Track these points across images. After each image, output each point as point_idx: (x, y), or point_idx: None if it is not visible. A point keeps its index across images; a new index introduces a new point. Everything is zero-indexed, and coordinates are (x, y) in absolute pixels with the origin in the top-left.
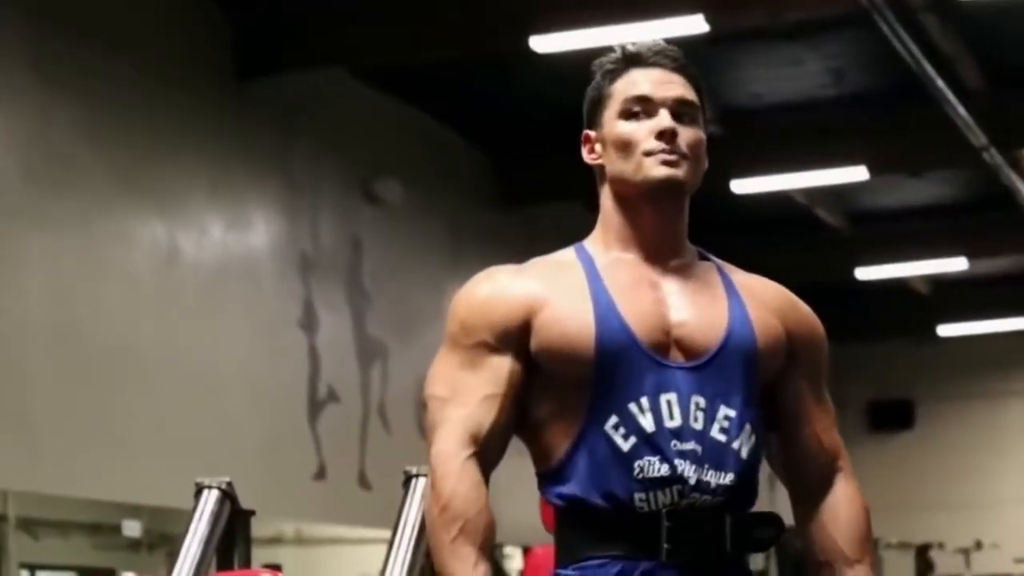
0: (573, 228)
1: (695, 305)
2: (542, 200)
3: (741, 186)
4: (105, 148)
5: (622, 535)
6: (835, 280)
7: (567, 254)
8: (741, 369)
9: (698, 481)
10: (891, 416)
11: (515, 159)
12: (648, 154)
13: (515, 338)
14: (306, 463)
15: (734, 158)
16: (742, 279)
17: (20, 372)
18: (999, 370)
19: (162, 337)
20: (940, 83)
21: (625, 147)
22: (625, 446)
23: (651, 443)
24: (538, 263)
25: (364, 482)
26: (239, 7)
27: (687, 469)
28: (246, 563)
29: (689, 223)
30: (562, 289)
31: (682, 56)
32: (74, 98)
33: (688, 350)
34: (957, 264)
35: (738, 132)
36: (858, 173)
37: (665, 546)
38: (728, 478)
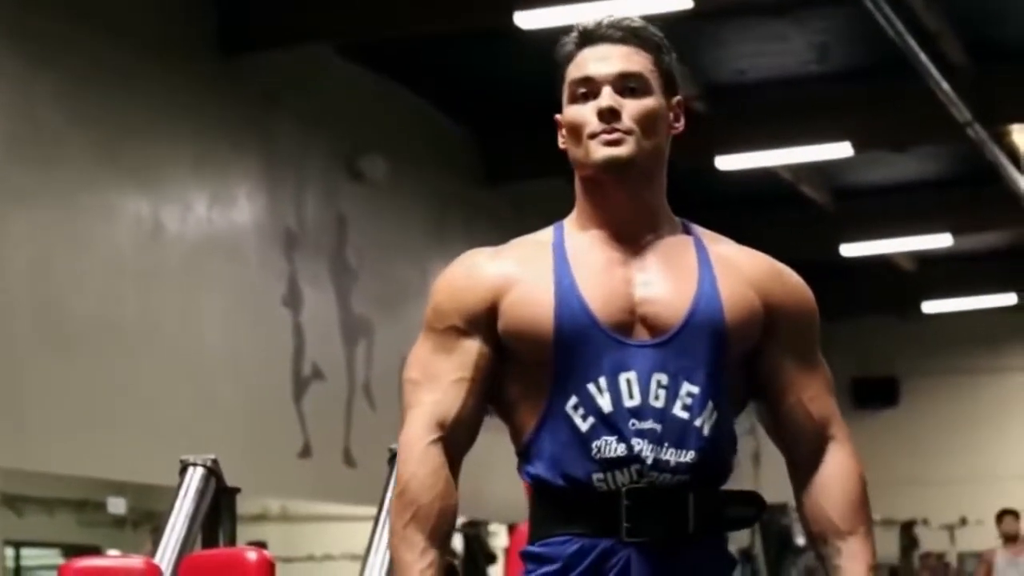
0: (558, 204)
1: (662, 281)
2: (527, 176)
3: (725, 162)
4: (89, 123)
5: (584, 514)
6: (819, 256)
7: (546, 233)
8: (706, 344)
9: (656, 460)
10: (875, 392)
11: (500, 135)
12: (592, 136)
13: (484, 322)
14: (291, 440)
15: (718, 134)
16: (723, 251)
17: (4, 348)
18: (984, 346)
19: (146, 313)
20: (924, 58)
21: (575, 132)
22: (584, 426)
23: (608, 423)
24: (516, 244)
25: (349, 459)
26: None
27: (645, 448)
28: (231, 540)
29: (673, 199)
30: (531, 270)
31: (635, 25)
32: (58, 73)
33: (653, 327)
34: (942, 240)
35: (723, 108)
36: (842, 149)
37: (625, 525)
38: (690, 456)
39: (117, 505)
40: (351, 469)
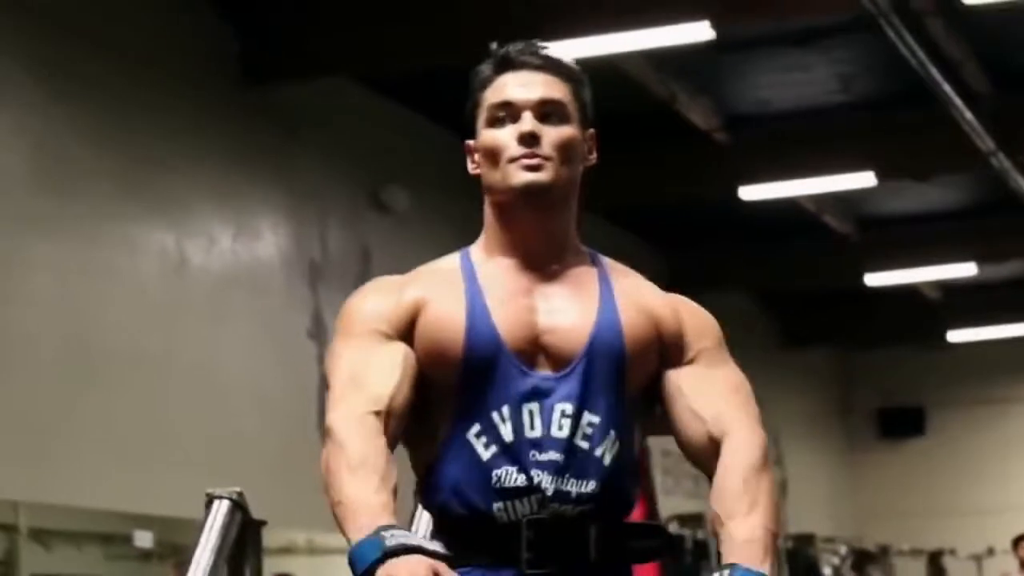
0: (579, 235)
1: (564, 311)
2: None
3: (749, 192)
4: (111, 156)
5: (485, 544)
6: (844, 286)
7: (451, 261)
8: (607, 374)
9: (556, 491)
10: (902, 422)
11: None
12: (512, 160)
13: (404, 333)
14: (316, 473)
15: (742, 165)
16: (625, 283)
17: (29, 382)
18: (1010, 375)
19: (171, 346)
20: (947, 88)
21: (492, 155)
22: (485, 455)
23: (509, 453)
24: (422, 271)
25: None
26: (245, 15)
27: (545, 479)
28: (257, 573)
29: (698, 230)
30: (443, 294)
31: (554, 55)
32: (81, 106)
33: (555, 358)
34: (966, 269)
35: (745, 139)
36: (866, 179)
37: (525, 555)
38: (591, 486)
39: (144, 539)
40: None
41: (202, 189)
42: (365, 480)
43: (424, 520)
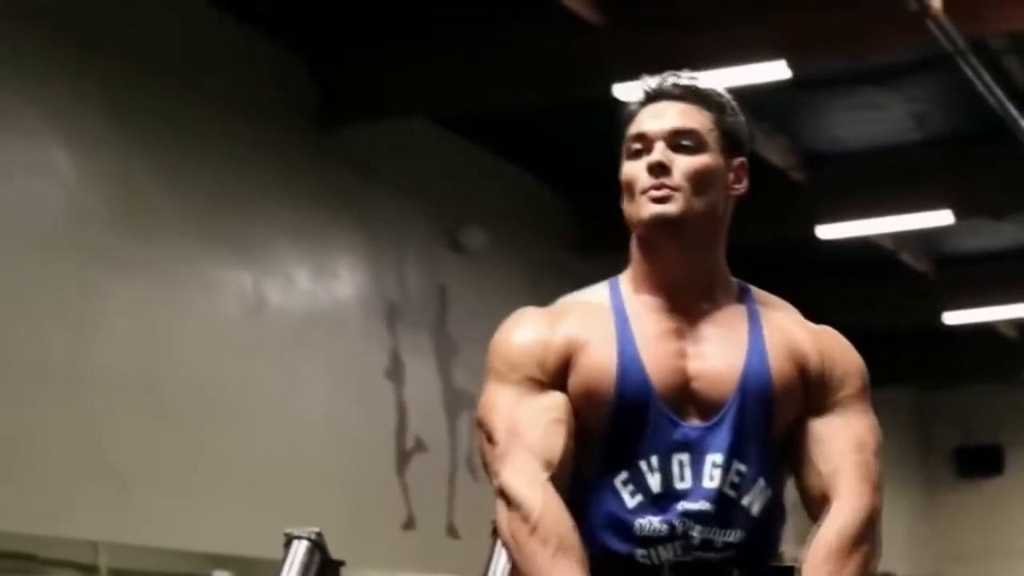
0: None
1: (713, 356)
2: (627, 247)
3: (826, 231)
4: (189, 197)
5: None
6: (922, 325)
7: (601, 293)
8: (756, 421)
9: (703, 540)
10: (980, 462)
11: (598, 205)
12: (643, 192)
13: (559, 376)
14: (395, 513)
15: (819, 204)
16: (778, 322)
17: (108, 422)
18: None
19: (249, 386)
20: None
21: (629, 188)
22: (631, 503)
23: (656, 504)
24: (570, 304)
25: (453, 532)
26: (322, 56)
27: (692, 528)
28: None
29: (775, 269)
30: (594, 333)
31: (697, 84)
32: (160, 148)
33: (704, 405)
34: None
35: (822, 177)
36: (943, 217)
37: None
38: (736, 535)
39: None
40: (455, 541)
41: (280, 230)
42: (568, 565)
43: (503, 558)
